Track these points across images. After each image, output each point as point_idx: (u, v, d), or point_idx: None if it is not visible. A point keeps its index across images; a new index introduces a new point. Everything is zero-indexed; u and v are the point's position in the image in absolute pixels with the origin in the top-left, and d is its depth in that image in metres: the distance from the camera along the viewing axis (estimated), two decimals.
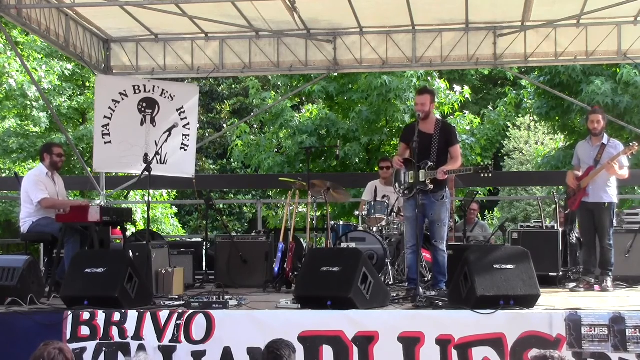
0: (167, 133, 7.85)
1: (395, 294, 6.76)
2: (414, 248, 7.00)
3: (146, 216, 8.43)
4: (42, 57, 18.07)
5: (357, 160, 15.43)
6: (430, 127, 7.02)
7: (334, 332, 5.51)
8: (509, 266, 5.72)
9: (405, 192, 7.10)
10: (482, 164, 6.75)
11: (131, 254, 7.11)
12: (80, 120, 19.84)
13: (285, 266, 7.86)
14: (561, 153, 16.43)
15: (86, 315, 5.77)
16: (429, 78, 15.19)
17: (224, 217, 20.98)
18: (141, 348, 5.64)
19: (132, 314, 5.76)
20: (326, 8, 9.42)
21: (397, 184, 7.25)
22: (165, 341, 5.66)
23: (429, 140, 6.93)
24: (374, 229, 8.54)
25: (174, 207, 20.66)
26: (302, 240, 9.07)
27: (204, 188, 14.83)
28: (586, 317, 5.33)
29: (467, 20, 9.77)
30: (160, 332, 5.68)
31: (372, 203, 8.53)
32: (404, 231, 7.52)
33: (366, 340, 5.47)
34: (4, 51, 17.61)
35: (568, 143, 17.37)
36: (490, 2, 9.24)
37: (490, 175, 6.86)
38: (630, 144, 7.38)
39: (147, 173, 7.19)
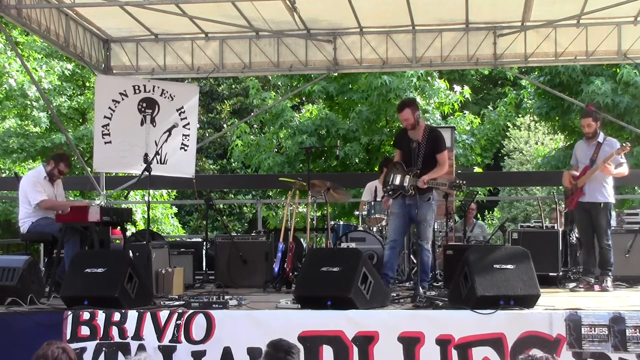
0: (167, 133, 7.85)
1: (395, 294, 6.76)
2: (393, 244, 7.18)
3: (146, 216, 8.43)
4: (42, 57, 18.08)
5: (357, 160, 15.44)
6: (419, 134, 7.19)
7: (334, 332, 5.51)
8: (509, 266, 5.72)
9: (390, 192, 7.30)
10: (465, 170, 7.05)
11: (131, 254, 7.11)
12: (80, 120, 19.85)
13: (285, 266, 7.86)
14: (561, 153, 16.44)
15: (86, 315, 5.76)
16: (429, 78, 15.19)
17: (224, 217, 20.98)
18: (141, 348, 5.63)
19: (132, 314, 5.75)
20: (326, 8, 9.42)
21: (385, 184, 7.44)
22: (165, 341, 5.65)
23: (417, 147, 7.08)
24: (374, 229, 8.55)
25: (174, 207, 20.65)
26: (302, 240, 9.07)
27: (204, 188, 14.83)
28: (586, 317, 5.33)
29: (467, 20, 9.77)
30: (160, 332, 5.68)
31: (372, 203, 8.54)
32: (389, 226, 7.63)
33: (366, 340, 5.47)
34: (4, 51, 17.60)
35: (568, 143, 17.37)
36: (490, 2, 9.24)
37: (462, 191, 7.14)
38: (623, 144, 7.33)
39: (147, 173, 7.19)
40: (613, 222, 8.99)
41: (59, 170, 7.85)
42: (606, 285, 7.32)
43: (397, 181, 7.20)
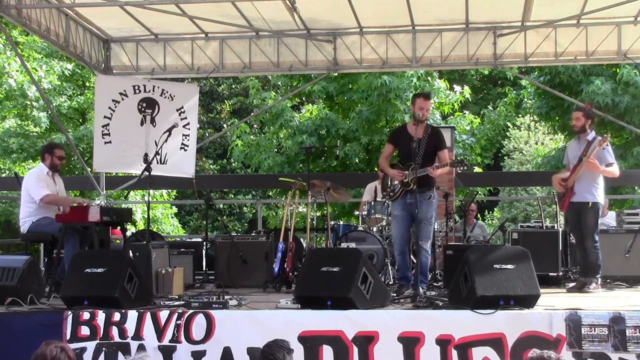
0: (167, 133, 7.85)
1: (395, 294, 6.76)
2: (402, 249, 7.18)
3: (146, 216, 8.43)
4: (42, 57, 18.07)
5: (357, 160, 15.43)
6: (421, 131, 7.15)
7: (334, 332, 5.51)
8: (509, 266, 5.72)
9: (391, 193, 7.28)
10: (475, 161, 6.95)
11: (131, 254, 7.11)
12: (80, 120, 19.83)
13: (285, 266, 7.86)
14: (561, 153, 16.39)
15: (86, 315, 5.77)
16: (429, 78, 15.19)
17: (224, 217, 21.00)
18: (141, 348, 5.64)
19: (132, 314, 5.76)
20: (326, 8, 9.42)
21: (384, 187, 7.47)
22: (165, 341, 5.66)
23: (417, 144, 7.03)
24: (374, 229, 8.54)
25: (174, 207, 20.65)
26: (302, 240, 9.07)
27: (204, 188, 14.83)
28: (586, 317, 5.33)
29: (467, 20, 9.77)
30: (160, 332, 5.68)
31: (372, 203, 8.54)
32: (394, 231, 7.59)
33: (366, 340, 5.47)
34: (4, 51, 17.60)
35: (568, 143, 17.35)
36: (490, 2, 9.24)
37: (466, 168, 6.96)
38: (602, 136, 7.21)
39: (147, 173, 7.19)
40: (613, 222, 9.02)
41: (59, 157, 7.80)
42: (588, 287, 7.17)
43: (397, 181, 7.20)
